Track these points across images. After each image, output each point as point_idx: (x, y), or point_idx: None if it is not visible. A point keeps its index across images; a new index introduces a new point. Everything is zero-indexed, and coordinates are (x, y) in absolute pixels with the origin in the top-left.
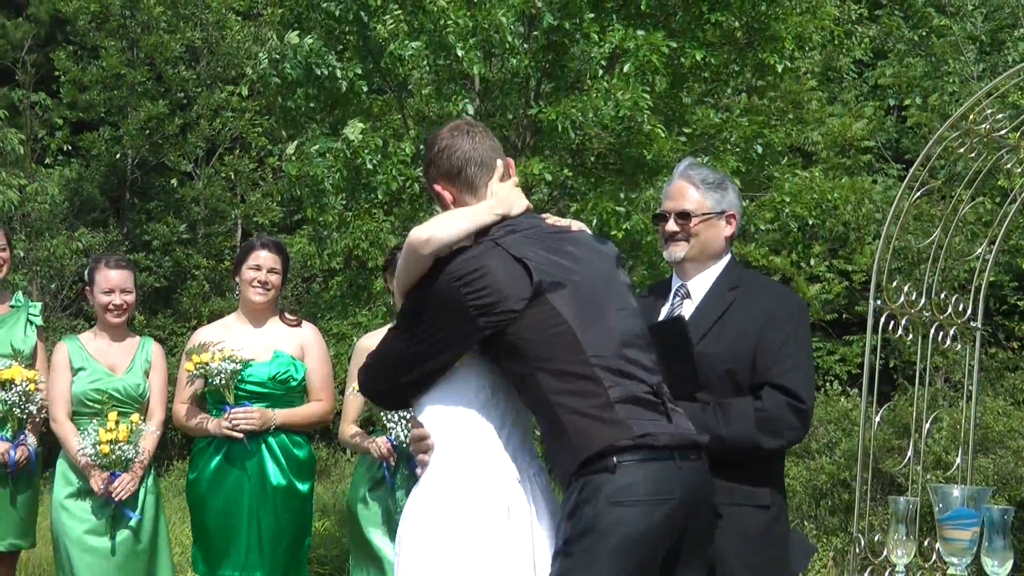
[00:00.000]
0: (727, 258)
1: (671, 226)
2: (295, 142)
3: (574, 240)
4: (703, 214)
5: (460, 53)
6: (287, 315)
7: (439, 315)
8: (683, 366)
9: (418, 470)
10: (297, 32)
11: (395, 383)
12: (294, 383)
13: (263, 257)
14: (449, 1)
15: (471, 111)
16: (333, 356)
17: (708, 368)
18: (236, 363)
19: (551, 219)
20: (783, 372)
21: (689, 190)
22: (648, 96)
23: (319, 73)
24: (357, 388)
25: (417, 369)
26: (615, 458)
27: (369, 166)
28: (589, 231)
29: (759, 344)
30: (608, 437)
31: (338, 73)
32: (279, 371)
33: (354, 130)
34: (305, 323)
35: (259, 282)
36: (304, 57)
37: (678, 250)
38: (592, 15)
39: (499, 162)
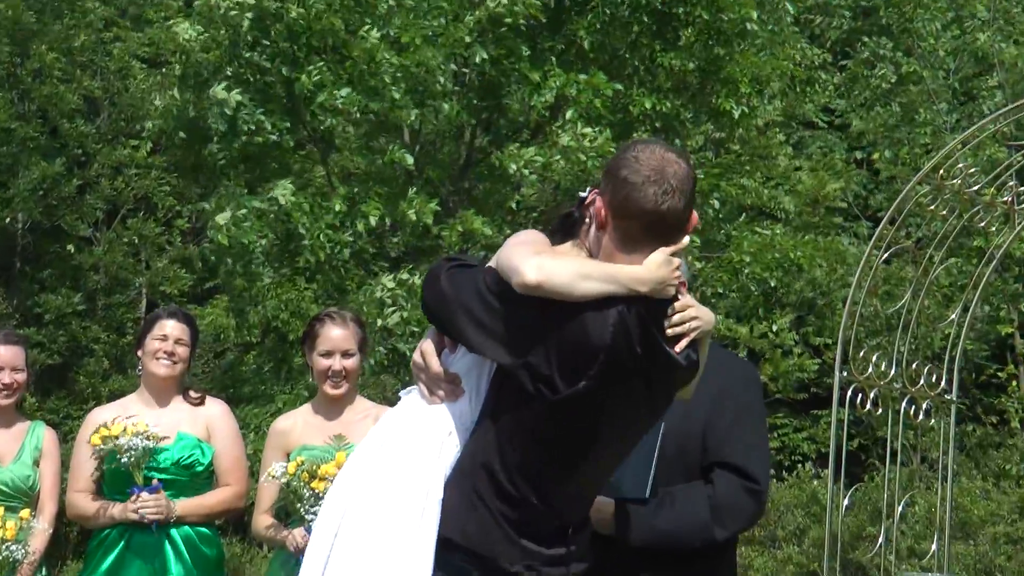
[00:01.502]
0: None
1: None
2: (226, 211)
3: (665, 366)
4: None
5: (396, 96)
6: (191, 393)
7: (520, 318)
8: (638, 469)
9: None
10: (224, 86)
11: (441, 312)
12: (200, 468)
13: (170, 327)
14: (375, 44)
15: (410, 160)
16: (250, 451)
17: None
18: (150, 440)
19: (678, 315)
20: (735, 451)
21: None
22: (593, 145)
23: (246, 129)
24: (272, 475)
25: (463, 332)
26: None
27: (302, 230)
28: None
29: (709, 422)
30: (503, 556)
31: (268, 127)
32: (183, 455)
33: (284, 191)
34: (211, 400)
35: (165, 353)
36: (231, 112)
37: None
38: (528, 52)
39: (685, 239)
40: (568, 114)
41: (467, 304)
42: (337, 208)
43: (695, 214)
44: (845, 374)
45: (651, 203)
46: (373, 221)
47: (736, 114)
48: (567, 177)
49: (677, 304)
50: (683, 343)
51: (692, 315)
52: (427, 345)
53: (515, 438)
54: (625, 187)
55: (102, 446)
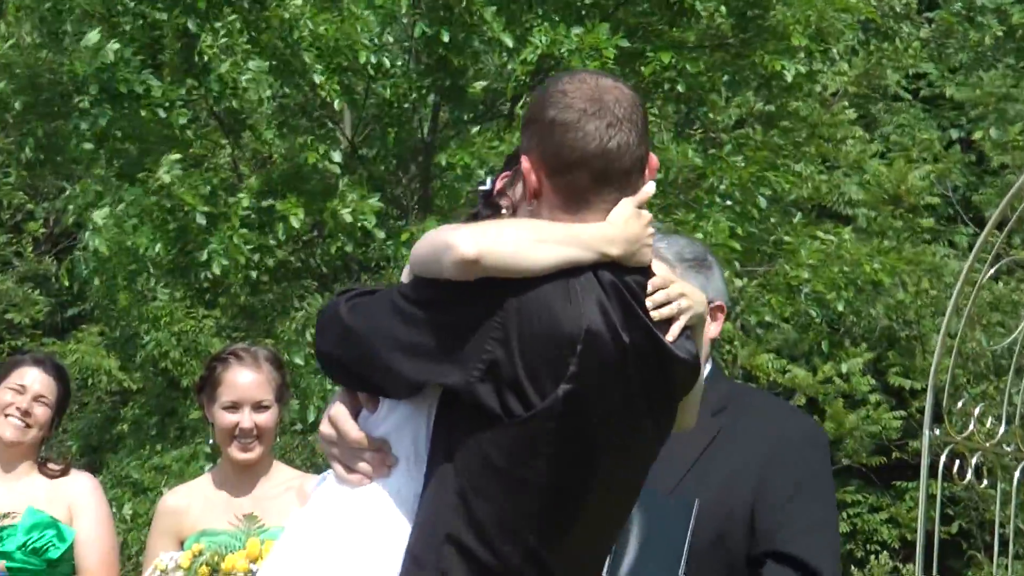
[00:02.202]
0: (709, 367)
1: None
2: (103, 206)
3: (663, 357)
4: None
5: (318, 79)
6: (51, 464)
7: (458, 319)
8: (663, 561)
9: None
10: (99, 31)
11: (355, 357)
12: (56, 554)
13: (31, 378)
14: (295, 13)
15: (336, 158)
16: (126, 520)
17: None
18: None
19: (660, 292)
20: (794, 537)
21: (659, 269)
22: None
23: (126, 92)
24: (161, 569)
25: (390, 364)
26: None
27: (201, 219)
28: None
29: (758, 497)
30: None
31: (155, 93)
32: (33, 538)
33: (169, 168)
34: (76, 472)
35: (18, 410)
36: (105, 68)
37: None
38: (495, 7)
39: (650, 185)
40: None
41: (386, 330)
42: (245, 204)
43: (654, 156)
44: (938, 433)
45: (596, 142)
46: (296, 223)
47: (789, 75)
48: None
49: (655, 279)
50: (676, 328)
51: (678, 291)
52: (337, 409)
53: (484, 486)
54: (558, 130)
55: None
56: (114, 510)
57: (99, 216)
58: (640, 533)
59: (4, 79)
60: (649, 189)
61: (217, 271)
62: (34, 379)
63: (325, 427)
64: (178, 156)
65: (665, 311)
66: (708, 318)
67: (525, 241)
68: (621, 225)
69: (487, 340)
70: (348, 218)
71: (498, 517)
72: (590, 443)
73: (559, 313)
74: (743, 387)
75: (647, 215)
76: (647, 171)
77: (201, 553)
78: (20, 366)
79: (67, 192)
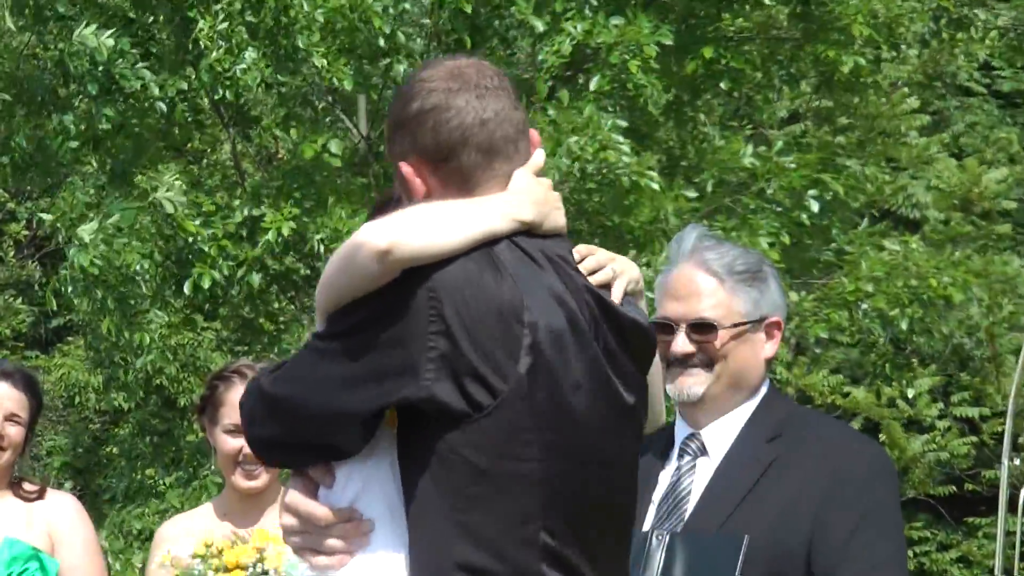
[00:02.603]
0: (764, 390)
1: (682, 344)
2: (91, 220)
3: (614, 318)
4: (735, 324)
5: (319, 62)
6: (25, 485)
7: (389, 329)
8: None
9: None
10: (92, 26)
11: (296, 425)
12: None
13: (1, 394)
14: None
15: (335, 149)
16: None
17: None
18: None
19: (589, 257)
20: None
21: (707, 283)
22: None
23: (125, 87)
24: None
25: (334, 407)
26: None
27: (203, 245)
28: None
29: (817, 532)
30: None
31: (153, 89)
32: (12, 572)
33: (169, 190)
34: (54, 493)
35: None
36: (101, 61)
37: (695, 383)
38: None
39: (539, 153)
40: (593, 83)
41: (317, 378)
42: (241, 215)
43: (534, 131)
44: (1018, 462)
45: (471, 115)
46: (285, 231)
47: (847, 67)
48: (589, 165)
49: (580, 246)
50: (617, 290)
51: (608, 256)
52: (292, 496)
53: (476, 496)
54: (429, 118)
55: None
56: (125, 562)
57: (86, 231)
58: (685, 574)
59: None
60: (539, 157)
61: (206, 285)
62: (4, 396)
63: (286, 518)
64: (176, 174)
65: (599, 276)
66: (763, 335)
67: (435, 222)
68: (525, 190)
69: (427, 337)
70: (325, 236)
71: (503, 524)
72: (569, 418)
73: (492, 287)
74: (803, 411)
75: (546, 180)
76: (534, 138)
77: (209, 545)
78: None
79: (52, 200)
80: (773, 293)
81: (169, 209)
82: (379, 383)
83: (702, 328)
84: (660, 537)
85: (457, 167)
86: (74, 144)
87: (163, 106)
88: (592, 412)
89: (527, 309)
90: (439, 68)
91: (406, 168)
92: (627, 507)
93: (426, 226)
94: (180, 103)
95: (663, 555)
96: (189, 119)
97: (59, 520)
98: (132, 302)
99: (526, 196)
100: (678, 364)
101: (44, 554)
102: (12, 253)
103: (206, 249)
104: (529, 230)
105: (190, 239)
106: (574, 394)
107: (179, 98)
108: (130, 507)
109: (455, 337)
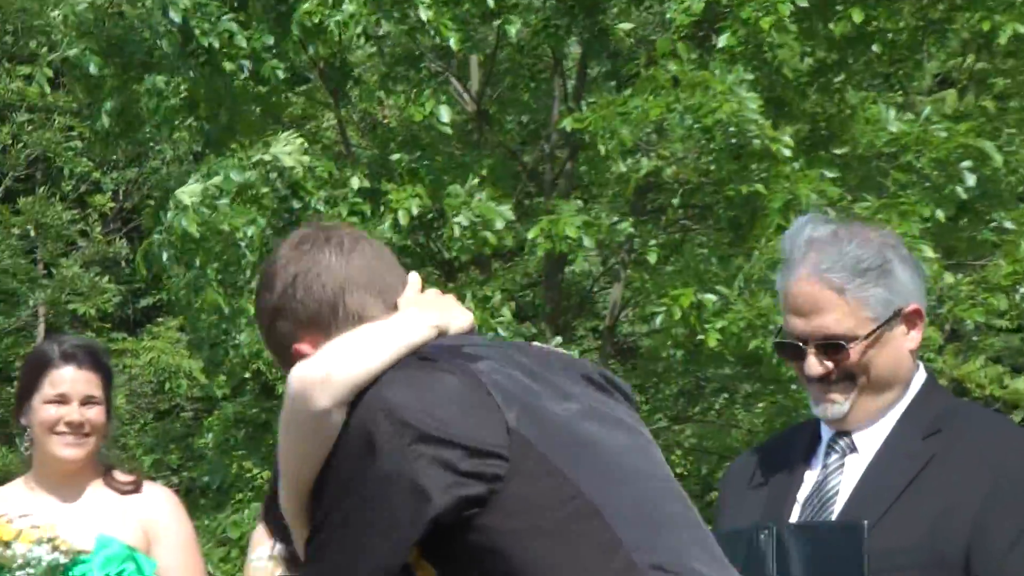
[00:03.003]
0: (918, 381)
1: (815, 365)
2: (193, 179)
3: (562, 364)
4: (868, 334)
5: (425, 14)
6: (117, 476)
7: (377, 495)
8: None
9: None
10: None
11: None
12: None
13: (69, 379)
14: None
15: (444, 117)
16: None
17: None
18: (61, 552)
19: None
20: None
21: (828, 297)
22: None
23: (206, 46)
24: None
25: (367, 563)
26: None
27: (319, 205)
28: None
29: (976, 540)
30: None
31: (241, 43)
32: (109, 572)
33: (288, 146)
34: (150, 486)
35: (68, 425)
36: (180, 16)
37: (838, 401)
38: None
39: (412, 275)
40: (722, 40)
41: (344, 559)
42: (356, 186)
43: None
44: None
45: (338, 266)
46: (414, 210)
47: (1004, 36)
48: (720, 135)
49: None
50: None
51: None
52: None
53: (549, 567)
54: (298, 291)
55: None
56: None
57: (187, 193)
58: (806, 571)
59: (79, 36)
60: (413, 278)
61: None
62: (72, 380)
63: None
64: (297, 140)
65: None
66: (903, 327)
67: (358, 344)
68: (424, 300)
69: (405, 451)
70: (467, 221)
71: (593, 567)
72: (584, 440)
73: (438, 375)
74: (964, 404)
75: (431, 290)
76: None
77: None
78: (49, 366)
79: (139, 161)
80: (904, 280)
81: (289, 163)
82: (403, 525)
83: (832, 347)
84: (767, 532)
85: (346, 317)
86: (173, 102)
87: (247, 63)
88: (597, 433)
89: (480, 372)
90: (278, 250)
91: (305, 347)
92: (686, 514)
93: (351, 349)
94: (269, 60)
95: (775, 550)
96: (282, 78)
97: (156, 517)
98: (233, 270)
99: (427, 304)
100: (816, 382)
101: (140, 553)
102: (98, 228)
103: (322, 210)
104: (440, 335)
105: (304, 202)
106: (570, 424)
107: (268, 54)
108: (226, 511)
109: (431, 436)
